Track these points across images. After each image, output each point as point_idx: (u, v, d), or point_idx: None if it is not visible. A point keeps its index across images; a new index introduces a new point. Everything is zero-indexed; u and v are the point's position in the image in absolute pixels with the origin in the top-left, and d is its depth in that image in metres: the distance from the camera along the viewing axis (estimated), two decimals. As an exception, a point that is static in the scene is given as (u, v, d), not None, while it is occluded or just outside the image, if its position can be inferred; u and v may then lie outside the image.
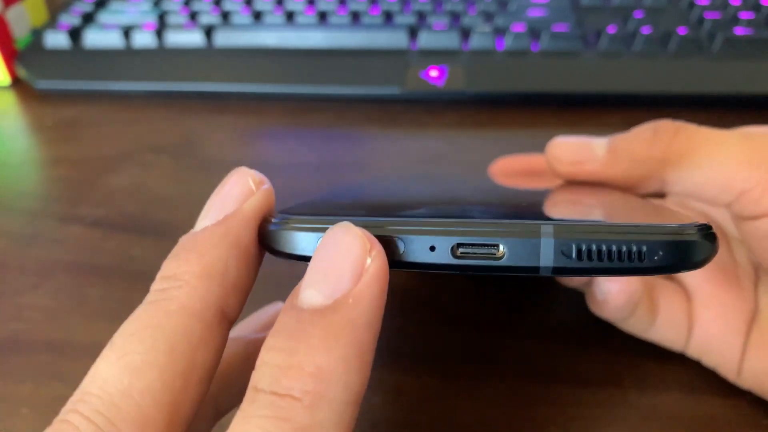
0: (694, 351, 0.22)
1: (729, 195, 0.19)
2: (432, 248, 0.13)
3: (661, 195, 0.23)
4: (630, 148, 0.21)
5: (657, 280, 0.22)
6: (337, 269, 0.13)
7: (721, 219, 0.22)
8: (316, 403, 0.12)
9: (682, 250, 0.13)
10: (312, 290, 0.13)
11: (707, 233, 0.13)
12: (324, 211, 0.15)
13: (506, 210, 0.17)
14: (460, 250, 0.13)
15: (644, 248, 0.13)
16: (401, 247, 0.13)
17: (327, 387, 0.12)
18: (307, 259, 0.14)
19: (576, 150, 0.21)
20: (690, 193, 0.20)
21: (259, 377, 0.12)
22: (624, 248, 0.13)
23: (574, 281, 0.22)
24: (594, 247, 0.13)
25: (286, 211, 0.15)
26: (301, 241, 0.14)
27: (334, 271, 0.13)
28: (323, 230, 0.13)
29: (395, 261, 0.13)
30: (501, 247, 0.13)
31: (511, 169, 0.26)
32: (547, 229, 0.13)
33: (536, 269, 0.13)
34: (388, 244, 0.13)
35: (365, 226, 0.13)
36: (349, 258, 0.13)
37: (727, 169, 0.19)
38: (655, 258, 0.13)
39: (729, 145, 0.19)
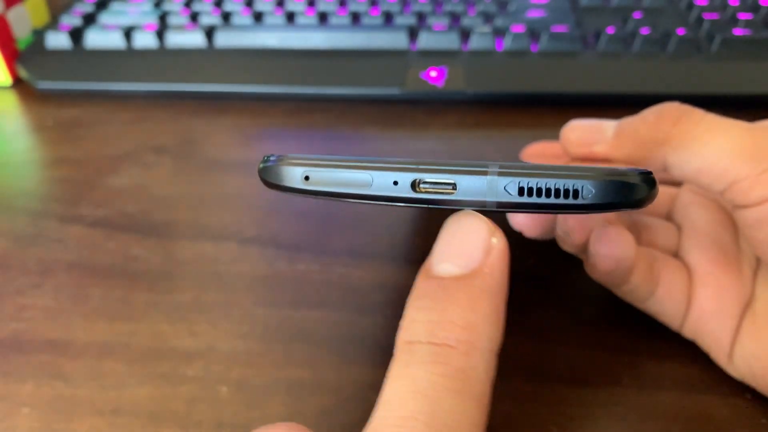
0: (689, 330, 0.22)
1: (721, 184, 0.19)
2: (395, 183, 0.15)
3: (678, 184, 0.23)
4: (635, 130, 0.21)
5: (659, 254, 0.22)
6: (469, 246, 0.15)
7: None
8: (469, 351, 0.14)
9: (613, 189, 0.14)
10: (447, 264, 0.15)
11: (644, 177, 0.14)
12: (316, 155, 0.17)
13: None
14: (421, 185, 0.15)
15: (579, 186, 0.14)
16: (370, 180, 0.15)
17: (477, 337, 0.14)
18: (295, 191, 0.16)
19: (586, 133, 0.22)
20: (688, 178, 0.20)
21: (413, 332, 0.15)
22: (561, 186, 0.14)
23: (573, 246, 0.22)
24: (534, 185, 0.14)
25: (285, 154, 0.17)
26: (290, 173, 0.16)
27: (465, 248, 0.15)
28: (309, 165, 0.16)
29: (365, 194, 0.16)
30: (454, 184, 0.15)
31: (543, 153, 0.26)
32: (493, 168, 0.15)
33: (483, 204, 0.15)
34: (359, 177, 0.16)
35: (345, 164, 0.16)
36: (478, 238, 0.15)
37: (723, 159, 0.19)
38: (589, 196, 0.14)
39: (729, 135, 0.19)
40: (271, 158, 0.17)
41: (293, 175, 0.16)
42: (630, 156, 0.21)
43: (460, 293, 0.15)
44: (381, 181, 0.15)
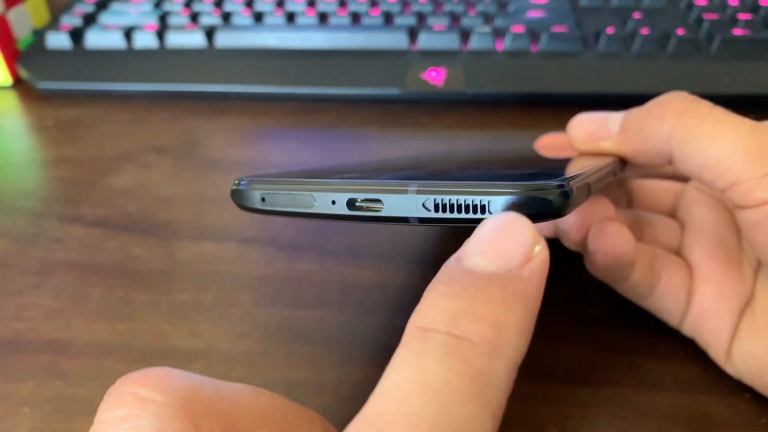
0: (688, 327, 0.22)
1: (723, 183, 0.19)
2: (333, 202, 0.16)
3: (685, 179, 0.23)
4: (640, 125, 0.21)
5: (661, 252, 0.22)
6: (509, 247, 0.14)
7: None
8: (492, 352, 0.12)
9: (520, 203, 0.14)
10: (482, 258, 0.14)
11: (558, 189, 0.14)
12: (278, 176, 0.18)
13: (407, 172, 0.19)
14: (356, 203, 0.16)
15: (485, 201, 0.14)
16: (312, 201, 0.16)
17: (504, 341, 0.13)
18: (256, 211, 0.17)
19: (592, 129, 0.22)
20: (692, 173, 0.20)
21: (431, 318, 0.13)
22: (470, 202, 0.15)
23: (573, 243, 0.22)
24: (447, 201, 0.15)
25: (255, 175, 0.18)
26: (250, 196, 0.17)
27: (505, 249, 0.14)
28: (266, 188, 0.17)
29: (311, 213, 0.17)
30: (381, 202, 0.16)
31: (555, 144, 0.26)
32: (412, 187, 0.15)
33: (407, 219, 0.16)
34: (304, 199, 0.17)
35: (292, 186, 0.17)
36: (521, 241, 0.14)
37: (726, 159, 0.19)
38: (496, 210, 0.14)
39: (735, 134, 0.19)
40: (242, 182, 0.18)
41: (252, 197, 0.17)
42: (636, 150, 0.21)
43: (495, 289, 0.13)
44: (322, 201, 0.16)
